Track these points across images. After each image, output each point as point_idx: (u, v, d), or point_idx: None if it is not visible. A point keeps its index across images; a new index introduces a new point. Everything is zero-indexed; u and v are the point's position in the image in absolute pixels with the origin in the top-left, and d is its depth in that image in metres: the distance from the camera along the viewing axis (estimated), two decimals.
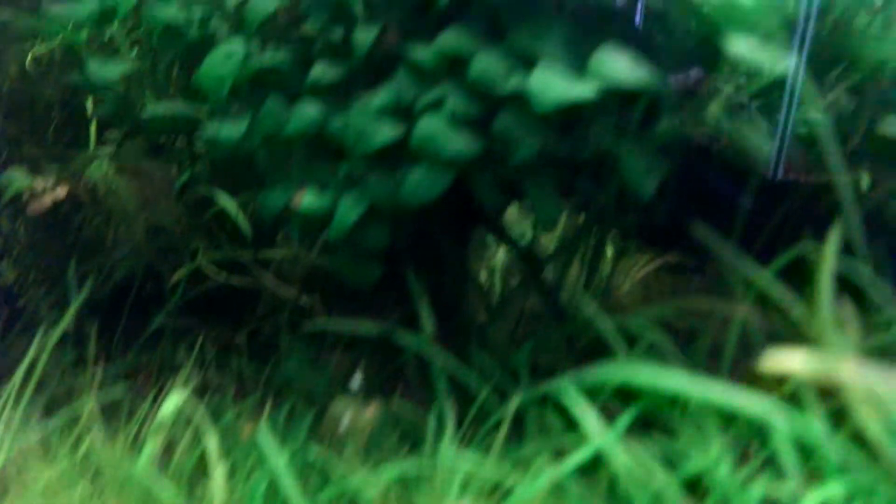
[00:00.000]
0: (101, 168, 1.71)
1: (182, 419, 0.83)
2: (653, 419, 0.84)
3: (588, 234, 1.29)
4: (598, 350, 1.07)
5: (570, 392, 0.71)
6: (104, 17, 1.19)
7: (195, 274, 1.52)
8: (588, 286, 1.39)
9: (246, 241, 1.45)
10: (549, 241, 1.47)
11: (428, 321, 1.04)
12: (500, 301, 1.17)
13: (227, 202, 1.42)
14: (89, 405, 0.90)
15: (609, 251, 1.55)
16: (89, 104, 1.67)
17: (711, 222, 1.26)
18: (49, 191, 1.76)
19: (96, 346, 1.16)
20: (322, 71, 0.99)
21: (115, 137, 1.73)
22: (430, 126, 0.90)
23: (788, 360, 0.54)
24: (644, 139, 0.92)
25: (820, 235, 1.05)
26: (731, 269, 1.09)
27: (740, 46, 0.81)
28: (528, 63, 0.91)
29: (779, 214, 1.24)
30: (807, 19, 1.03)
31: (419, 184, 0.91)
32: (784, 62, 0.82)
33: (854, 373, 0.55)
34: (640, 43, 0.94)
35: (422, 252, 1.09)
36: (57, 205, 1.78)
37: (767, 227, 1.28)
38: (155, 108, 1.07)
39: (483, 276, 1.22)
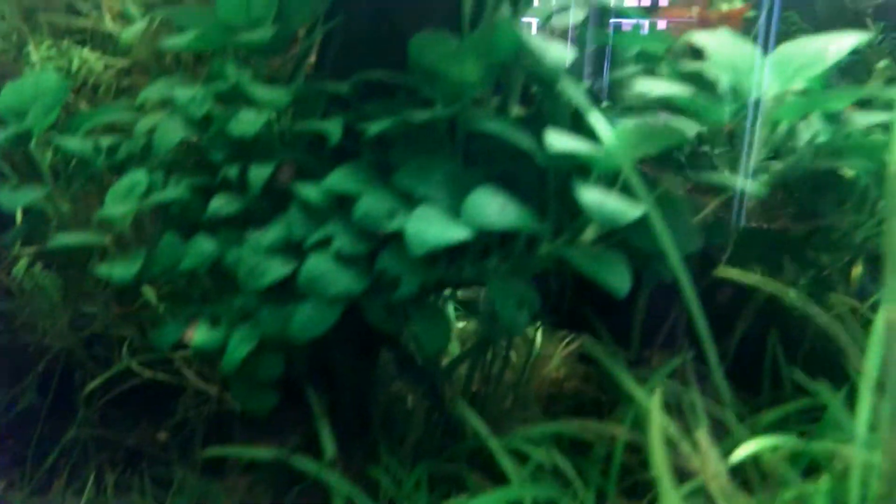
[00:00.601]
0: (26, 266, 1.73)
1: None
2: None
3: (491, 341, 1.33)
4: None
5: None
6: (19, 140, 1.22)
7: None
8: (498, 387, 1.44)
9: None
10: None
11: (328, 442, 1.08)
12: (405, 416, 1.20)
13: (151, 295, 1.45)
14: None
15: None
16: None
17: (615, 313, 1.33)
18: None
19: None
20: (220, 205, 1.04)
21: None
22: (317, 265, 0.95)
23: None
24: (520, 270, 0.98)
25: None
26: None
27: (589, 196, 0.88)
28: (412, 202, 0.97)
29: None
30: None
31: (308, 320, 0.95)
32: (634, 210, 0.88)
33: None
34: (519, 180, 1.01)
35: (323, 372, 1.12)
36: None
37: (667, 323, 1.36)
38: (61, 238, 1.10)
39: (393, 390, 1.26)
